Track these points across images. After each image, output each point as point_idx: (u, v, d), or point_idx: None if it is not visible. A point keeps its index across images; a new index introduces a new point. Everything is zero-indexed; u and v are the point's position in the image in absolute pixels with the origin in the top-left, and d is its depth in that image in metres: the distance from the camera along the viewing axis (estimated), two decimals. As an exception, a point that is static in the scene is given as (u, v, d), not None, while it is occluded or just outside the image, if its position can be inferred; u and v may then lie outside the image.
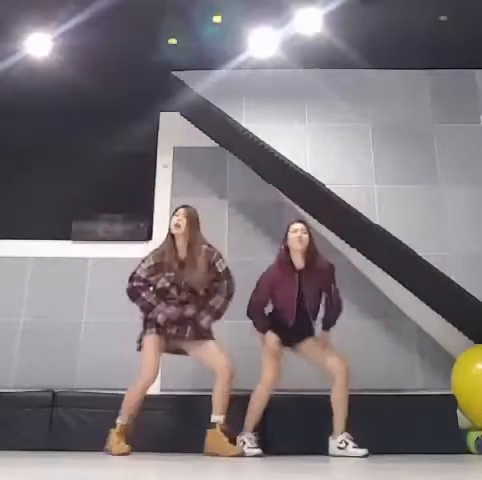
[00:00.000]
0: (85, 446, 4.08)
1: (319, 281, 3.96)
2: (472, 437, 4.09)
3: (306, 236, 3.89)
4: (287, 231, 3.95)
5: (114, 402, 4.35)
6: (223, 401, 3.78)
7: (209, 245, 4.02)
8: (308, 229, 3.95)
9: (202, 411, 3.95)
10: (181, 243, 3.94)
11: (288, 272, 3.92)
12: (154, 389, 4.70)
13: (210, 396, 3.98)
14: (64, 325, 4.95)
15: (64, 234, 5.26)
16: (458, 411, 4.25)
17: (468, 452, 4.02)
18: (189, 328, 3.88)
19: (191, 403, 4.34)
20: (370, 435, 3.89)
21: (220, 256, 4.00)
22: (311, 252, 3.91)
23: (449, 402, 4.23)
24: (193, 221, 3.97)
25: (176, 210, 4.00)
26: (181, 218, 3.93)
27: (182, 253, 3.93)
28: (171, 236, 3.94)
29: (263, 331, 3.95)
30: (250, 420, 3.84)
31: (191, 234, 3.94)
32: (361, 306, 4.84)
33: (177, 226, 3.91)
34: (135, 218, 5.36)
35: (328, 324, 4.00)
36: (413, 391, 4.16)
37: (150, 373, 3.82)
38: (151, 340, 3.84)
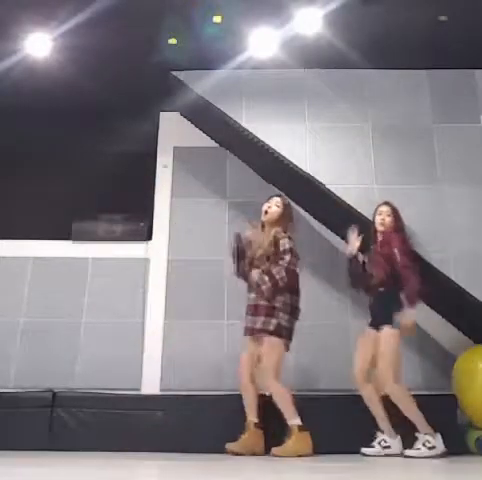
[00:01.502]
0: (85, 446, 4.09)
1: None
2: (472, 437, 4.09)
3: (389, 219, 4.15)
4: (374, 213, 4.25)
5: (114, 402, 4.36)
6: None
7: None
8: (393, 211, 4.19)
9: (202, 411, 3.96)
10: None
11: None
12: (154, 389, 4.72)
13: (210, 396, 4.00)
14: (64, 325, 4.95)
15: (64, 234, 5.26)
16: (458, 411, 4.25)
17: (468, 452, 4.02)
18: None
19: (191, 403, 4.34)
20: (370, 435, 3.90)
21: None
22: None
23: (449, 402, 4.23)
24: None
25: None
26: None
27: None
28: None
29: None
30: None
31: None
32: (361, 306, 4.84)
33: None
34: (135, 218, 5.36)
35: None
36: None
37: None
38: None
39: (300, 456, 3.61)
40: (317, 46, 4.73)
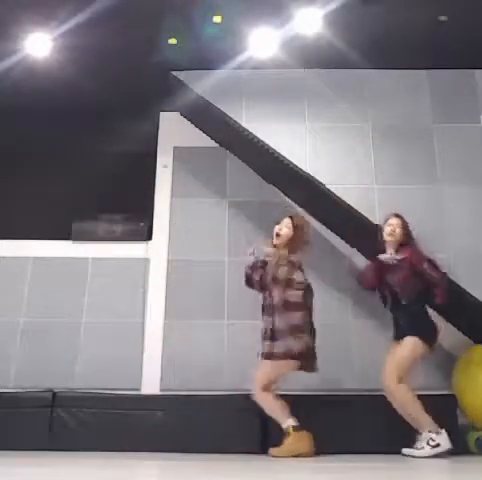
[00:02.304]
0: (85, 446, 4.09)
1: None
2: (472, 437, 4.09)
3: (399, 231, 4.13)
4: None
5: (114, 402, 4.36)
6: None
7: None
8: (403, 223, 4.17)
9: (202, 411, 3.96)
10: None
11: None
12: (154, 389, 4.72)
13: (210, 396, 3.99)
14: (64, 325, 4.94)
15: (64, 234, 5.26)
16: (458, 411, 4.25)
17: (468, 452, 4.02)
18: None
19: (191, 403, 4.34)
20: (370, 435, 3.90)
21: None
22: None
23: (449, 402, 4.23)
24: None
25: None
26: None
27: None
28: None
29: None
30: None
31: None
32: (362, 306, 4.84)
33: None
34: (135, 218, 5.36)
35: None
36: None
37: None
38: None
39: (298, 456, 3.59)
40: (317, 46, 4.73)
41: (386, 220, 4.21)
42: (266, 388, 3.80)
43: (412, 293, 3.97)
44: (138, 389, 4.71)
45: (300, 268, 3.98)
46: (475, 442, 4.04)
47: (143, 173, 5.45)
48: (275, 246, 4.05)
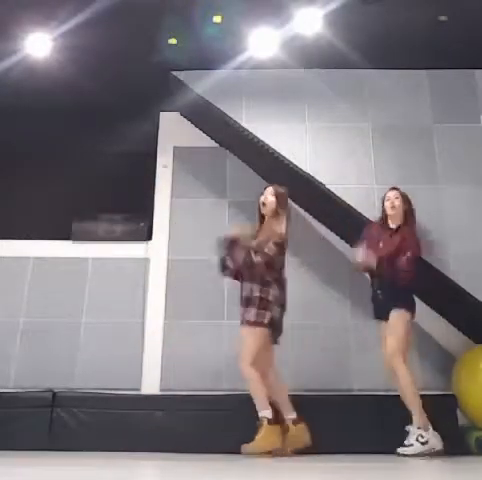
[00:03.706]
0: (85, 446, 4.09)
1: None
2: (472, 437, 4.09)
3: (398, 201, 4.16)
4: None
5: (114, 402, 4.37)
6: None
7: None
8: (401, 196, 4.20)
9: (202, 411, 3.96)
10: None
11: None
12: (154, 389, 4.72)
13: (210, 396, 3.99)
14: (64, 325, 4.94)
15: (64, 234, 5.26)
16: (458, 411, 4.25)
17: (468, 452, 4.02)
18: None
19: (191, 403, 4.34)
20: (370, 435, 3.90)
21: None
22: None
23: (449, 402, 4.24)
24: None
25: None
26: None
27: None
28: None
29: None
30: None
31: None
32: (361, 306, 4.84)
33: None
34: (135, 218, 5.36)
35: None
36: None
37: None
38: None
39: (270, 452, 3.52)
40: (317, 46, 4.73)
41: (384, 195, 4.26)
42: (253, 362, 3.76)
43: (391, 274, 3.94)
44: (138, 389, 4.70)
45: (280, 248, 3.99)
46: (475, 442, 4.04)
47: (143, 173, 5.45)
48: (262, 216, 4.15)
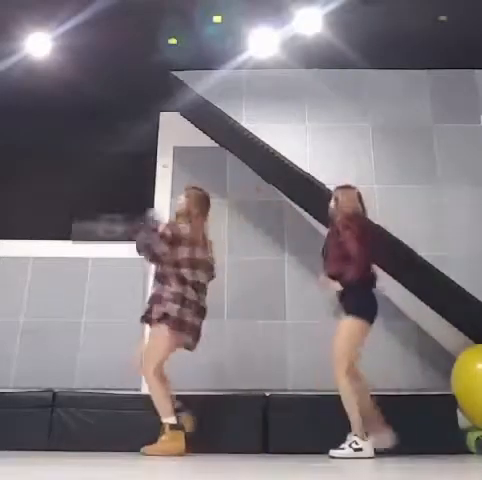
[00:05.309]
0: (85, 446, 4.08)
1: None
2: (472, 437, 4.09)
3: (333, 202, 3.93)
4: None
5: (114, 402, 4.36)
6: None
7: None
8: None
9: (202, 411, 3.95)
10: None
11: None
12: (154, 389, 4.70)
13: (210, 396, 3.99)
14: (64, 325, 4.95)
15: (64, 234, 5.26)
16: (458, 411, 4.25)
17: (468, 452, 4.02)
18: None
19: (191, 403, 4.33)
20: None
21: None
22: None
23: (449, 402, 4.23)
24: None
25: None
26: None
27: None
28: None
29: None
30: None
31: None
32: (361, 306, 4.84)
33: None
34: (135, 218, 5.35)
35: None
36: (413, 391, 4.15)
37: None
38: None
39: (171, 456, 3.54)
40: (317, 46, 4.73)
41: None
42: (156, 370, 3.78)
43: (337, 275, 3.74)
44: (138, 389, 4.70)
45: (191, 243, 3.97)
46: (475, 442, 4.04)
47: (143, 173, 5.45)
48: (177, 216, 4.13)
